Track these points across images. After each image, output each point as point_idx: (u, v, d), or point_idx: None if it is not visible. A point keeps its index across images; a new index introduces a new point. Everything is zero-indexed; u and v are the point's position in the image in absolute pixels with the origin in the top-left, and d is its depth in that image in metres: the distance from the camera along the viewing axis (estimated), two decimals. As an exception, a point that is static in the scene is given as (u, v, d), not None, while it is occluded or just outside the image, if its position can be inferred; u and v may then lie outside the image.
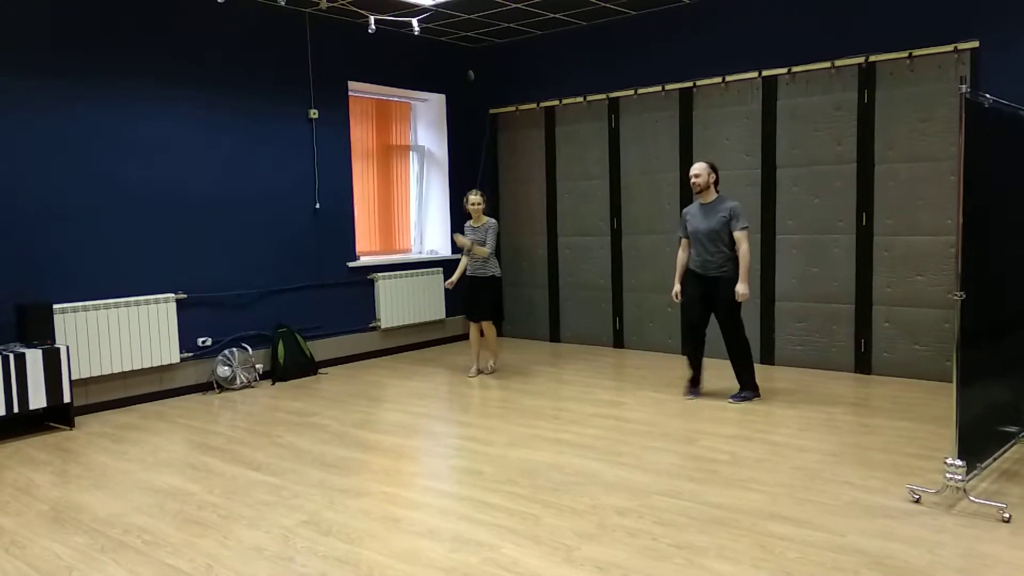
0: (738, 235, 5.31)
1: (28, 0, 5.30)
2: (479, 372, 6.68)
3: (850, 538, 3.21)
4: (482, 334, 6.64)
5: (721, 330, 5.48)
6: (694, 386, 5.70)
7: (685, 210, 5.64)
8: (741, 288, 5.29)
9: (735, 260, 5.34)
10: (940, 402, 5.25)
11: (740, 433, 4.75)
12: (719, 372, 6.01)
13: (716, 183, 5.46)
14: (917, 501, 3.57)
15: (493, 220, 6.50)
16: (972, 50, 5.62)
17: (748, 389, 5.52)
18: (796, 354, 6.61)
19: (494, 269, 6.49)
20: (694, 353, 5.67)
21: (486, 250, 6.37)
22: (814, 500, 3.64)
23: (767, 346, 6.74)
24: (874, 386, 5.90)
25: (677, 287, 5.60)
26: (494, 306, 6.55)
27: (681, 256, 5.62)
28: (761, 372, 6.43)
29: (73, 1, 5.51)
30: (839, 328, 6.37)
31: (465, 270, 6.57)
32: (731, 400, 5.48)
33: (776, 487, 3.82)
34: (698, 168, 5.43)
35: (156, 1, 5.93)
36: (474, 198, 6.49)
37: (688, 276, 5.55)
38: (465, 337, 8.45)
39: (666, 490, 3.81)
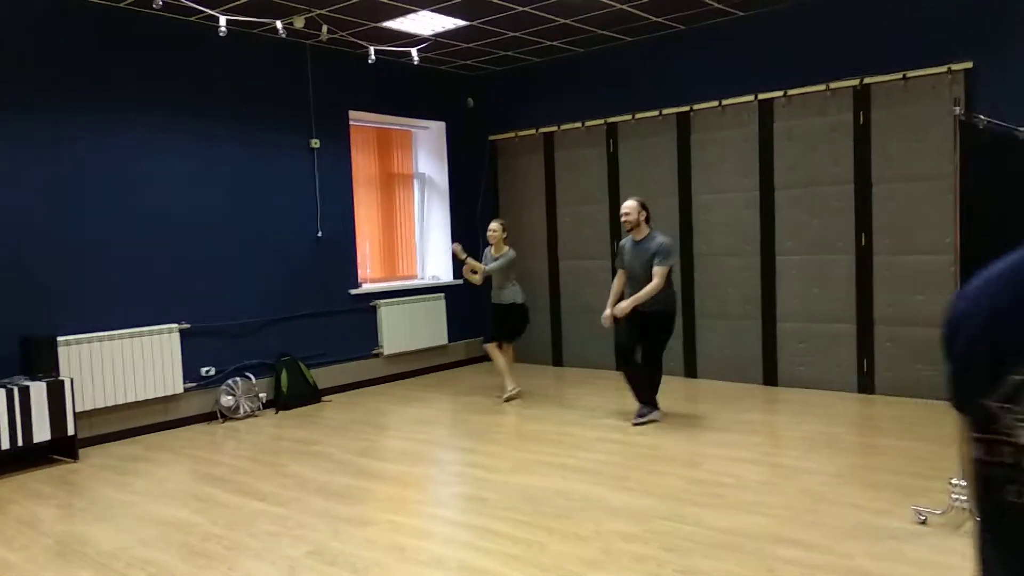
0: (656, 269, 5.39)
1: (33, 36, 5.39)
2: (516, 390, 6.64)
3: (857, 561, 3.20)
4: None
5: (642, 359, 5.59)
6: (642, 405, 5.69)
7: (620, 243, 5.75)
8: (625, 304, 5.43)
9: (666, 298, 5.47)
10: (944, 421, 5.23)
11: (745, 456, 4.74)
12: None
13: (648, 220, 5.55)
14: (923, 522, 3.56)
15: (512, 252, 6.54)
16: (966, 71, 5.67)
17: (648, 405, 5.62)
18: (799, 375, 6.60)
19: (514, 297, 6.50)
20: (628, 375, 5.69)
21: (482, 266, 6.47)
22: (820, 522, 3.63)
23: (769, 367, 6.74)
24: (877, 406, 5.89)
25: (608, 312, 5.61)
26: (515, 328, 6.62)
27: (616, 286, 5.73)
28: (764, 393, 6.46)
29: (77, 36, 5.60)
30: (841, 348, 6.37)
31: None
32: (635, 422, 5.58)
33: (782, 510, 3.81)
34: (628, 207, 5.54)
35: (158, 34, 6.01)
36: (493, 225, 6.57)
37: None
38: (467, 362, 8.48)
39: (671, 514, 3.80)
